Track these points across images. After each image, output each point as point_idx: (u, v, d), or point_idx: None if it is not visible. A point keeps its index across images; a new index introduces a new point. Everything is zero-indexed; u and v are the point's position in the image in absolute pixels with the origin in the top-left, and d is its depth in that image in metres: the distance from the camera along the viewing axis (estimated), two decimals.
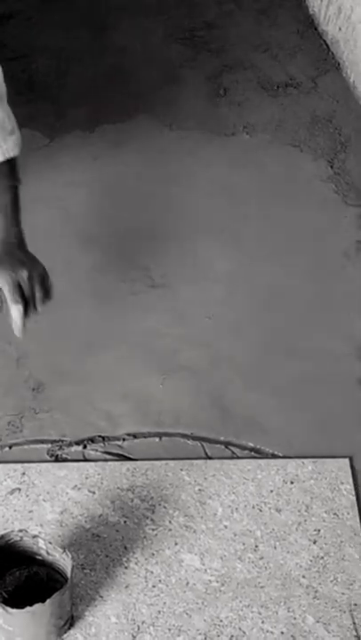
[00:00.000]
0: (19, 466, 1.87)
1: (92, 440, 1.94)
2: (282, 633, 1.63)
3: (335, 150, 2.65)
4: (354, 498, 1.83)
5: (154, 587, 1.69)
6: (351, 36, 2.85)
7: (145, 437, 1.95)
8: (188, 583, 1.69)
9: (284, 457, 1.92)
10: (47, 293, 1.77)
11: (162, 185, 2.53)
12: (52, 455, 1.91)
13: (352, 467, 1.89)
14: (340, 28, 2.94)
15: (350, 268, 2.32)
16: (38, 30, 3.07)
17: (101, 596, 1.67)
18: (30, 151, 2.61)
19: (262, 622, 1.64)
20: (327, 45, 3.04)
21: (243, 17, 3.17)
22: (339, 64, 2.96)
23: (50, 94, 2.81)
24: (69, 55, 2.97)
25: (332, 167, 2.60)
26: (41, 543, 1.60)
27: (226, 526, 1.78)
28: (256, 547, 1.75)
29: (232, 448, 1.93)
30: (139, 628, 1.63)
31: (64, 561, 1.59)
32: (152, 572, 1.71)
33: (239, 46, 3.04)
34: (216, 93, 2.85)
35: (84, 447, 1.92)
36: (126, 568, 1.71)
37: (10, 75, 2.86)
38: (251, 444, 1.94)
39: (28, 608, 1.48)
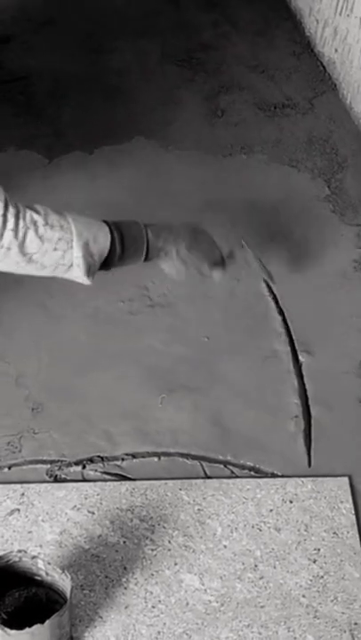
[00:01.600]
0: (18, 486, 1.87)
1: (91, 460, 1.94)
2: None
3: (332, 170, 2.66)
4: (353, 517, 1.83)
5: (153, 607, 1.68)
6: (347, 57, 2.87)
7: (144, 457, 1.95)
8: (187, 603, 1.69)
9: (283, 476, 1.92)
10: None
11: (160, 206, 2.54)
12: (51, 475, 1.91)
13: (351, 485, 1.89)
14: (336, 50, 2.96)
15: (348, 288, 2.33)
16: (36, 53, 3.09)
17: (101, 617, 1.67)
18: (28, 172, 2.63)
19: None
20: (323, 67, 3.06)
21: (239, 38, 3.19)
22: (335, 85, 2.98)
23: (48, 116, 2.83)
24: (67, 77, 2.99)
25: (329, 187, 2.61)
26: (40, 564, 1.60)
27: (225, 546, 1.78)
28: (256, 566, 1.75)
29: (231, 467, 1.93)
30: None
31: (63, 582, 1.58)
32: (152, 593, 1.70)
33: (236, 67, 3.06)
34: (213, 114, 2.87)
35: (83, 467, 1.92)
36: (126, 588, 1.71)
37: (8, 97, 2.90)
38: (250, 464, 1.94)
39: (27, 629, 1.48)
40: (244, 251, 2.18)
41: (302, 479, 1.89)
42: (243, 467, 1.93)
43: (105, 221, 1.82)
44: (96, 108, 2.87)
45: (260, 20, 3.28)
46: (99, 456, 1.95)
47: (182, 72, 3.04)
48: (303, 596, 1.70)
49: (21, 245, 1.67)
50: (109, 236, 1.78)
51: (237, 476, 1.91)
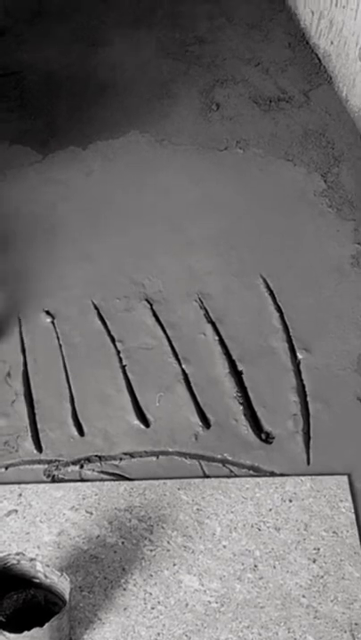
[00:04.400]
0: (15, 487, 1.86)
1: (88, 460, 1.92)
2: None
3: (329, 164, 2.65)
4: (353, 515, 1.82)
5: (153, 608, 1.67)
6: (343, 49, 2.85)
7: (142, 456, 1.94)
8: (187, 604, 1.68)
9: (282, 475, 1.90)
10: None
11: (155, 200, 2.53)
12: (48, 475, 1.90)
13: (351, 484, 1.88)
14: (331, 42, 2.94)
15: (346, 283, 2.31)
16: (30, 46, 3.06)
17: (100, 619, 1.66)
18: (23, 167, 2.61)
19: None
20: (319, 59, 3.04)
21: (234, 31, 3.17)
22: (331, 78, 2.96)
23: (42, 110, 2.81)
24: (61, 71, 2.96)
25: (325, 181, 2.59)
26: (38, 566, 1.59)
27: (225, 546, 1.77)
28: (255, 566, 1.74)
29: (230, 466, 1.92)
30: None
31: (62, 584, 1.57)
32: (151, 594, 1.69)
33: (231, 61, 3.04)
34: (208, 108, 2.85)
35: (81, 467, 1.91)
36: (125, 590, 1.70)
37: (1, 92, 2.87)
38: (249, 462, 1.93)
39: (26, 633, 1.47)
40: None
41: (301, 478, 1.88)
42: (242, 465, 1.92)
43: None
44: (90, 102, 2.85)
45: (255, 12, 3.26)
46: (96, 455, 1.93)
47: (177, 65, 3.02)
48: (303, 597, 1.70)
49: None
50: None
51: (236, 475, 1.90)
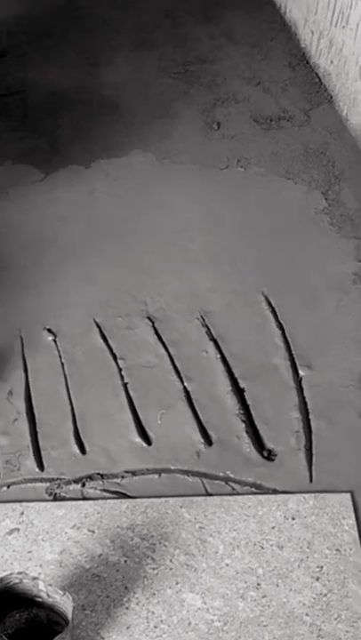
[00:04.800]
0: (17, 505, 1.86)
1: (90, 478, 1.92)
2: None
3: (329, 182, 2.66)
4: (356, 533, 1.81)
5: (155, 627, 1.67)
6: (343, 69, 2.87)
7: (144, 474, 1.93)
8: (190, 623, 1.67)
9: (284, 492, 1.90)
10: None
11: (157, 218, 2.54)
12: (50, 494, 1.89)
13: (354, 501, 1.87)
14: (331, 62, 2.96)
15: (347, 301, 2.32)
16: (32, 66, 3.09)
17: (102, 638, 1.65)
18: (25, 186, 2.62)
19: None
20: (319, 78, 3.06)
21: (235, 51, 3.19)
22: (331, 97, 2.98)
23: (45, 130, 2.82)
24: (63, 91, 2.98)
25: (326, 199, 2.60)
26: (41, 585, 1.58)
27: (227, 564, 1.76)
28: (258, 585, 1.73)
29: (232, 484, 1.92)
30: None
31: (64, 603, 1.57)
32: (153, 613, 1.68)
33: (231, 80, 3.06)
34: (209, 127, 2.86)
35: (83, 485, 1.91)
36: (127, 609, 1.69)
37: (4, 111, 2.89)
38: (251, 480, 1.93)
39: None
40: None
41: (304, 495, 1.88)
42: (244, 483, 1.92)
43: None
44: (93, 122, 2.87)
45: (255, 32, 3.29)
46: (98, 474, 1.93)
47: (178, 85, 3.04)
48: (306, 615, 1.69)
49: None
50: None
51: (239, 493, 1.89)
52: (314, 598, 1.71)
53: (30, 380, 2.11)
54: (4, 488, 1.90)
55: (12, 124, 2.84)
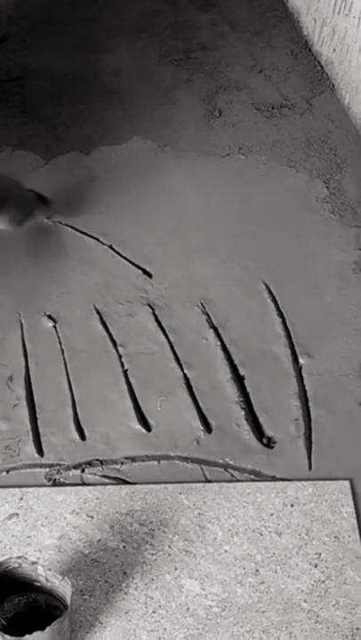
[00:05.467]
0: (17, 490, 1.86)
1: (90, 464, 1.92)
2: None
3: (331, 171, 2.65)
4: (355, 520, 1.82)
5: (154, 612, 1.67)
6: (345, 57, 2.86)
7: (143, 461, 1.93)
8: (188, 609, 1.68)
9: (283, 479, 1.90)
10: None
11: (158, 206, 2.53)
12: (49, 479, 1.89)
13: (353, 489, 1.88)
14: (334, 50, 2.95)
15: (347, 290, 2.32)
16: (33, 52, 3.07)
17: (101, 623, 1.65)
18: (26, 173, 2.61)
19: None
20: (321, 66, 3.05)
21: (237, 38, 3.18)
22: (333, 85, 2.96)
23: (45, 116, 2.81)
24: (64, 77, 2.97)
25: (328, 188, 2.60)
26: (40, 570, 1.59)
27: (226, 550, 1.76)
28: (257, 571, 1.73)
29: (231, 471, 1.92)
30: None
31: (63, 588, 1.57)
32: (152, 598, 1.69)
33: (233, 67, 3.05)
34: (211, 114, 2.85)
35: (82, 471, 1.91)
36: (126, 594, 1.69)
37: (4, 97, 2.88)
38: (250, 467, 1.93)
39: (27, 636, 1.47)
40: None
41: (303, 483, 1.88)
42: (243, 470, 1.92)
43: None
44: (93, 109, 2.86)
45: (257, 19, 3.27)
46: (98, 460, 1.93)
47: (180, 72, 3.02)
48: (305, 601, 1.69)
49: None
50: None
51: (238, 480, 1.90)
52: (312, 585, 1.72)
53: (30, 366, 2.11)
54: (4, 473, 1.90)
55: (11, 111, 2.83)
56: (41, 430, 1.98)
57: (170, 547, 1.76)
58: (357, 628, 1.65)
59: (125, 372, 2.11)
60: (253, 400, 2.06)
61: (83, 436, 1.97)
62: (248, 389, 2.08)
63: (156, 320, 2.22)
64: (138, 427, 1.99)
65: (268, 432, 2.00)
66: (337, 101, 2.91)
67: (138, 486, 1.87)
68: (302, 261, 2.39)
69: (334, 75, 2.96)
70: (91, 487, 1.87)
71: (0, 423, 1.99)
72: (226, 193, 2.58)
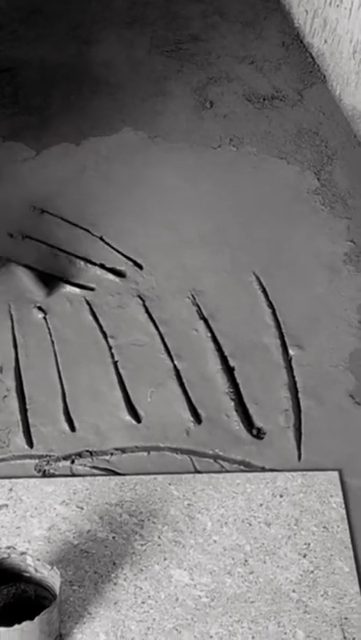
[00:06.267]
0: (6, 481, 1.86)
1: (79, 455, 1.92)
2: None
3: (322, 162, 2.65)
4: (344, 511, 1.82)
5: (143, 603, 1.67)
6: (337, 48, 2.86)
7: (133, 452, 1.94)
8: (177, 599, 1.68)
9: (273, 470, 1.91)
10: None
11: (148, 197, 2.53)
12: (39, 470, 1.90)
13: (341, 480, 1.88)
14: (325, 41, 2.95)
15: (337, 281, 2.32)
16: (23, 43, 3.06)
17: (90, 613, 1.66)
18: (16, 163, 2.61)
19: (253, 638, 1.63)
20: (313, 58, 3.04)
21: (228, 30, 3.17)
22: (324, 76, 2.96)
23: (35, 107, 2.81)
24: (55, 68, 2.96)
25: (318, 179, 2.60)
26: (29, 560, 1.59)
27: (215, 541, 1.77)
28: (246, 561, 1.74)
29: (221, 462, 1.92)
30: None
31: (52, 578, 1.57)
32: (141, 588, 1.69)
33: (224, 59, 3.04)
34: (202, 106, 2.85)
35: (72, 462, 1.91)
36: (115, 584, 1.70)
37: None
38: (240, 458, 1.93)
39: (16, 626, 1.47)
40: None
41: (292, 473, 1.89)
42: (233, 461, 1.92)
43: None
44: (84, 99, 2.85)
45: (248, 10, 3.26)
46: (87, 451, 1.93)
47: (171, 63, 3.02)
48: (293, 591, 1.70)
49: None
50: None
51: (227, 471, 1.90)
52: (301, 575, 1.72)
53: (20, 357, 2.11)
54: None
55: (2, 102, 2.82)
56: (31, 421, 1.98)
57: (159, 537, 1.77)
58: (345, 618, 1.66)
59: (115, 363, 2.11)
60: (243, 391, 2.06)
61: (73, 428, 1.97)
62: (238, 380, 2.08)
63: (147, 311, 2.22)
64: (128, 418, 1.99)
65: (258, 423, 2.00)
66: (328, 93, 2.91)
67: (127, 477, 1.87)
68: (293, 253, 2.39)
69: (326, 66, 2.96)
70: (80, 478, 1.87)
71: None
72: (217, 184, 2.58)
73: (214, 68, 3.00)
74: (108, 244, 2.38)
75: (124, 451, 1.94)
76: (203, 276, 2.32)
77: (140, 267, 2.33)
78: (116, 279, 2.29)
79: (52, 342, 2.14)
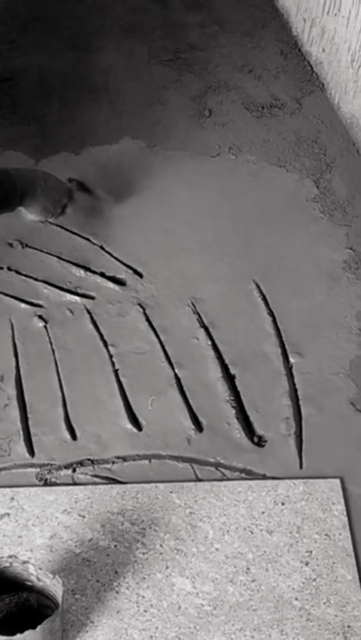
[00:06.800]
0: (7, 490, 1.86)
1: (81, 463, 1.92)
2: None
3: (321, 170, 2.66)
4: (346, 518, 1.82)
5: (145, 611, 1.67)
6: (335, 57, 2.87)
7: (134, 460, 1.94)
8: (179, 607, 1.68)
9: (274, 478, 1.91)
10: None
11: (147, 206, 2.53)
12: (40, 479, 1.89)
13: (343, 487, 1.88)
14: (323, 49, 2.96)
15: (337, 289, 2.32)
16: (22, 52, 3.07)
17: (92, 622, 1.65)
18: None
19: None
20: (311, 66, 3.05)
21: (226, 38, 3.18)
22: (323, 85, 2.97)
23: (34, 116, 2.81)
24: (53, 77, 2.97)
25: (318, 187, 2.60)
26: (31, 569, 1.59)
27: (217, 549, 1.77)
28: (248, 569, 1.74)
29: (222, 470, 1.92)
30: None
31: (54, 587, 1.57)
32: (143, 597, 1.69)
33: (223, 67, 3.05)
34: (201, 114, 2.86)
35: (74, 471, 1.91)
36: (117, 593, 1.69)
37: None
38: (241, 465, 1.93)
39: (18, 635, 1.46)
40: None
41: (294, 481, 1.89)
42: (234, 469, 1.92)
43: None
44: (82, 108, 2.86)
45: (247, 19, 3.28)
46: (89, 459, 1.93)
47: (169, 72, 3.03)
48: (296, 599, 1.70)
49: None
50: None
51: (229, 479, 1.90)
52: (303, 583, 1.72)
53: (21, 366, 2.11)
54: None
55: (1, 112, 2.83)
56: (32, 430, 1.98)
57: (161, 545, 1.76)
58: (348, 626, 1.66)
59: (116, 371, 2.11)
60: (244, 399, 2.06)
61: (74, 436, 1.97)
62: (239, 388, 2.08)
63: (147, 320, 2.23)
64: (129, 426, 1.99)
65: (259, 431, 2.00)
66: (326, 101, 2.92)
67: (129, 485, 1.87)
68: (292, 260, 2.40)
69: (324, 74, 2.97)
70: (82, 487, 1.87)
71: None
72: (216, 193, 2.59)
73: (213, 76, 3.01)
74: (108, 253, 2.39)
75: (125, 459, 1.93)
76: (203, 283, 2.33)
77: (140, 275, 2.33)
78: (117, 287, 2.30)
79: (53, 351, 2.15)
